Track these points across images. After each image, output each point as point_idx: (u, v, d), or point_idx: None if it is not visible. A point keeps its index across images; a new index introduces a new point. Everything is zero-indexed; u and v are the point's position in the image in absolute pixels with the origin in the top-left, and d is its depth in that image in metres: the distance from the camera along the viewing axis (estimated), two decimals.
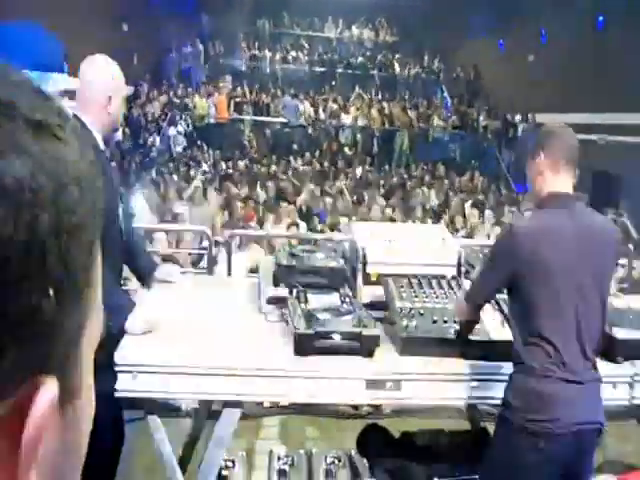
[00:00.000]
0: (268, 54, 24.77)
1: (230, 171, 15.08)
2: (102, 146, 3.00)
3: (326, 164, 17.21)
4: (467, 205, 12.32)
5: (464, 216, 11.03)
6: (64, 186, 0.42)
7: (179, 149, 18.20)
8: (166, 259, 6.50)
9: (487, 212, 11.81)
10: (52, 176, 0.41)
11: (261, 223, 9.30)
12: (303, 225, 9.24)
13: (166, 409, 4.55)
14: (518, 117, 19.60)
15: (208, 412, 3.78)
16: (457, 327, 2.86)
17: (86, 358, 0.48)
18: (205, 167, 15.48)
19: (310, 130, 20.23)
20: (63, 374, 0.44)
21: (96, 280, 0.48)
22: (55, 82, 2.70)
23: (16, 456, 0.40)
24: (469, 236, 9.31)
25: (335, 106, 20.83)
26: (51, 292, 0.40)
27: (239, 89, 21.31)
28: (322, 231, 8.76)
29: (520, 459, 2.55)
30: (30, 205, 0.39)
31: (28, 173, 0.40)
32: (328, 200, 11.45)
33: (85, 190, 0.44)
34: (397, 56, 26.14)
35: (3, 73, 0.44)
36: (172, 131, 18.62)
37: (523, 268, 2.56)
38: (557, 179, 2.66)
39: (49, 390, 0.42)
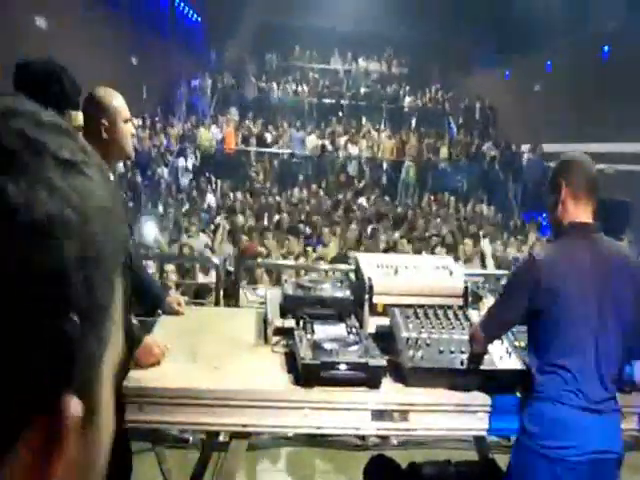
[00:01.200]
0: (275, 86, 24.99)
1: (237, 203, 15.15)
2: (111, 177, 3.02)
3: (334, 195, 17.26)
4: (472, 236, 12.30)
5: (469, 245, 11.00)
6: (88, 219, 0.45)
7: (187, 180, 18.32)
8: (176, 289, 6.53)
9: (495, 242, 11.82)
10: (78, 210, 0.44)
11: (267, 254, 9.30)
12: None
13: (173, 440, 4.55)
14: (524, 147, 19.67)
15: (215, 444, 3.77)
16: (464, 357, 2.85)
17: (107, 378, 0.50)
18: (213, 200, 15.54)
19: (317, 161, 20.33)
20: (85, 394, 0.46)
21: (117, 306, 0.50)
22: (70, 118, 2.74)
23: (40, 472, 0.43)
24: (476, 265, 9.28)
25: (342, 138, 20.94)
26: (75, 318, 0.43)
27: (247, 121, 21.48)
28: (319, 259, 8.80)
29: None
30: (58, 238, 0.42)
31: (57, 208, 0.43)
32: (335, 231, 11.45)
33: (108, 223, 0.47)
34: (404, 88, 26.32)
35: (36, 115, 0.47)
36: (181, 163, 18.76)
37: (542, 297, 2.55)
38: (578, 209, 2.66)
39: (73, 409, 0.44)
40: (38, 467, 0.43)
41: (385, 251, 9.61)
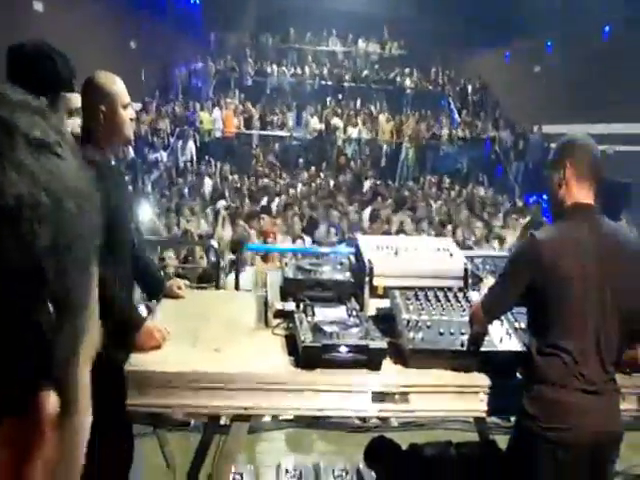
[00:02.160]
0: (275, 69, 24.89)
1: (238, 186, 15.12)
2: (112, 160, 3.01)
3: (334, 177, 17.24)
4: (473, 217, 12.30)
5: (479, 228, 10.98)
6: (61, 202, 0.42)
7: (187, 164, 18.29)
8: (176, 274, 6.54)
9: (495, 223, 11.81)
10: (50, 192, 0.41)
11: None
12: (308, 240, 9.27)
13: (175, 423, 4.57)
14: (525, 128, 19.60)
15: (216, 426, 3.79)
16: (464, 339, 2.86)
17: (83, 372, 0.48)
18: (212, 183, 15.51)
19: (317, 144, 20.28)
20: (61, 388, 0.44)
21: (93, 295, 0.48)
22: (66, 101, 2.73)
23: (17, 468, 0.41)
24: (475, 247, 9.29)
25: (342, 120, 20.87)
26: (50, 307, 0.41)
27: (246, 104, 21.42)
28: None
29: (537, 467, 2.55)
30: (29, 221, 0.40)
31: (27, 190, 0.40)
32: (335, 213, 11.44)
33: (82, 206, 0.44)
34: (404, 69, 26.21)
35: (6, 94, 0.44)
36: (180, 146, 18.72)
37: (543, 278, 2.55)
38: (581, 190, 2.65)
39: (49, 404, 0.42)
40: (15, 464, 0.41)
41: (396, 233, 9.62)
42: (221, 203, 12.20)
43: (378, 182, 17.20)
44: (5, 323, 0.39)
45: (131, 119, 3.06)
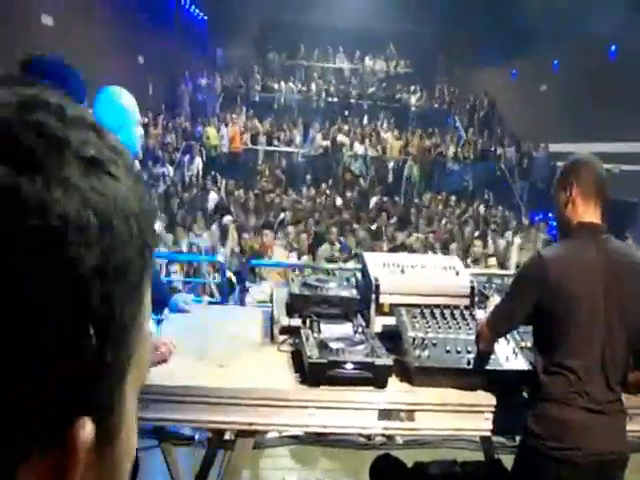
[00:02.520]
0: (282, 85, 25.01)
1: (243, 201, 15.14)
2: None
3: (341, 194, 17.24)
4: (477, 235, 12.29)
5: (478, 246, 10.97)
6: (111, 224, 0.40)
7: (193, 179, 18.33)
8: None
9: (500, 241, 11.80)
10: (99, 213, 0.40)
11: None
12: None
13: (179, 438, 4.56)
14: (531, 146, 19.61)
15: (221, 442, 3.78)
16: (470, 357, 2.85)
17: (130, 396, 0.46)
18: (217, 196, 15.53)
19: (323, 160, 20.31)
20: (104, 415, 0.42)
21: (144, 318, 0.46)
22: None
23: None
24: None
25: (348, 137, 20.91)
26: (92, 332, 0.39)
27: (253, 120, 21.49)
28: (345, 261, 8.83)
29: None
30: (74, 243, 0.38)
31: (74, 209, 0.38)
32: (334, 230, 11.44)
33: (134, 228, 0.43)
34: (410, 86, 26.31)
35: (60, 108, 0.43)
36: (187, 161, 18.77)
37: (549, 297, 2.55)
38: (587, 209, 2.65)
39: (87, 433, 0.40)
40: None
41: (394, 250, 9.62)
42: (227, 218, 12.21)
43: (384, 199, 17.18)
44: (42, 348, 0.37)
45: (140, 135, 3.08)
